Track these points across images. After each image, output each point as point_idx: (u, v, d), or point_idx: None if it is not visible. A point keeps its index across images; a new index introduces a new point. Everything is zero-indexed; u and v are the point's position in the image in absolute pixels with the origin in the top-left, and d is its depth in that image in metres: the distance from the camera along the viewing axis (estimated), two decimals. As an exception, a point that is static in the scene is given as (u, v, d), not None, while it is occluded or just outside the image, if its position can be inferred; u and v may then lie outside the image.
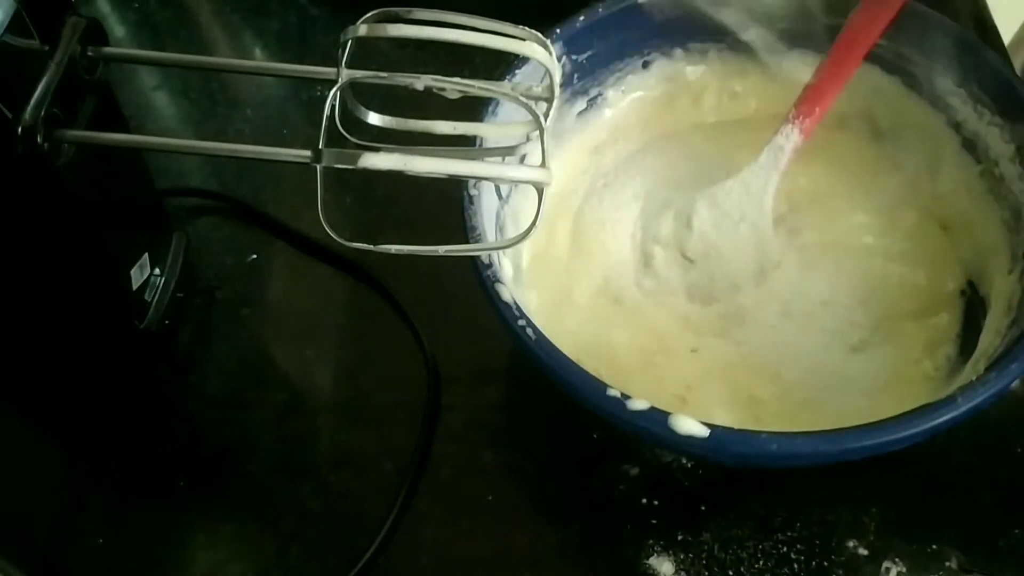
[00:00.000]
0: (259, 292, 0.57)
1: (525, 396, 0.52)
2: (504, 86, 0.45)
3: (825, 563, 0.45)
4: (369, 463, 0.50)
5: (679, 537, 0.46)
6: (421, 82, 0.40)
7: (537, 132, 0.40)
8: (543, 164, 0.39)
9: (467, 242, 0.44)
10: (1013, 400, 0.49)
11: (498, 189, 0.48)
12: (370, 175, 0.38)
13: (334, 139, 0.40)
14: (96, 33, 0.45)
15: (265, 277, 0.58)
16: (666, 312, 0.50)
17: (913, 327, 0.48)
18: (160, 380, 0.54)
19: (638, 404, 0.38)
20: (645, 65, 0.54)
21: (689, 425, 0.38)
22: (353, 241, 0.40)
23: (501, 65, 0.48)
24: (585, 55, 0.52)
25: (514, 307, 0.41)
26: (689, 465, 0.48)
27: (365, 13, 0.40)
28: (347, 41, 0.40)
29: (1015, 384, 0.39)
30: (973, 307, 0.48)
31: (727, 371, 0.47)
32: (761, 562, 0.45)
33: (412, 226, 0.58)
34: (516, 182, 0.45)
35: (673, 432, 0.38)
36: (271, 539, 0.48)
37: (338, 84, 0.40)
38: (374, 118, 0.43)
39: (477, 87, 0.41)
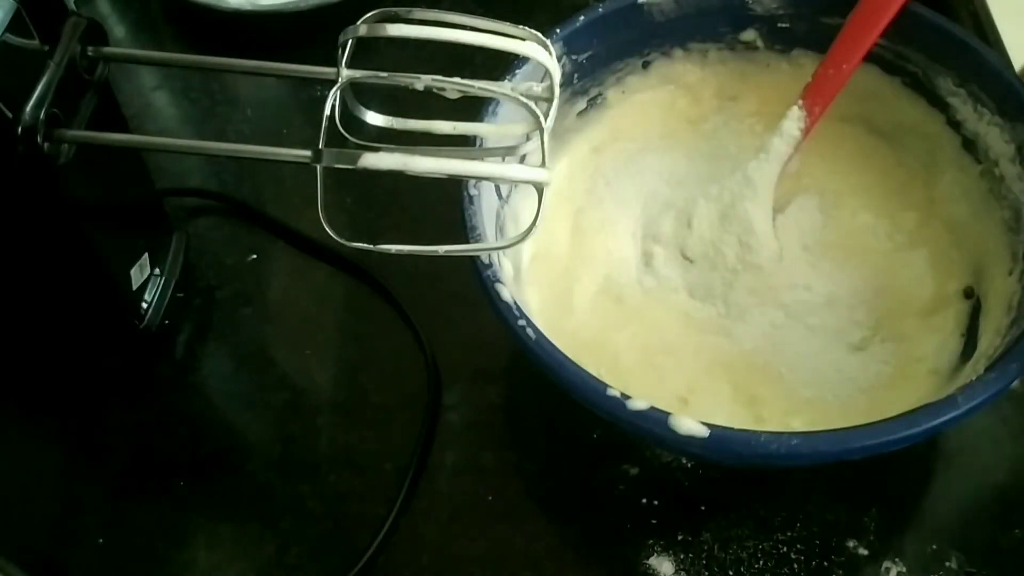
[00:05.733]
0: (259, 292, 0.57)
1: (525, 396, 0.52)
2: (504, 86, 0.45)
3: (825, 563, 0.45)
4: (369, 463, 0.50)
5: (679, 537, 0.46)
6: (421, 82, 0.40)
7: (537, 132, 0.40)
8: (543, 164, 0.39)
9: (467, 242, 0.44)
10: (1013, 400, 0.49)
11: (498, 189, 0.48)
12: (370, 175, 0.38)
13: (334, 139, 0.40)
14: (96, 33, 0.45)
15: (265, 277, 0.58)
16: (667, 311, 0.50)
17: (914, 326, 0.48)
18: (160, 380, 0.54)
19: (638, 404, 0.38)
20: (645, 65, 0.54)
21: (689, 425, 0.38)
22: (353, 241, 0.40)
23: (501, 65, 0.48)
24: (585, 55, 0.52)
25: (514, 307, 0.41)
26: (689, 465, 0.48)
27: (365, 13, 0.40)
28: (347, 41, 0.40)
29: (1015, 384, 0.39)
30: (974, 307, 0.48)
31: (728, 370, 0.47)
32: (761, 562, 0.45)
33: (412, 226, 0.58)
34: (516, 182, 0.45)
35: (673, 432, 0.38)
36: (271, 539, 0.48)
37: (338, 84, 0.40)
38: (374, 118, 0.43)
39: (477, 87, 0.41)
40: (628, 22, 0.52)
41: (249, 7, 0.68)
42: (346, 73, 0.41)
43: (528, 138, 0.45)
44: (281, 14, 0.68)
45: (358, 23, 0.40)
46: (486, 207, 0.46)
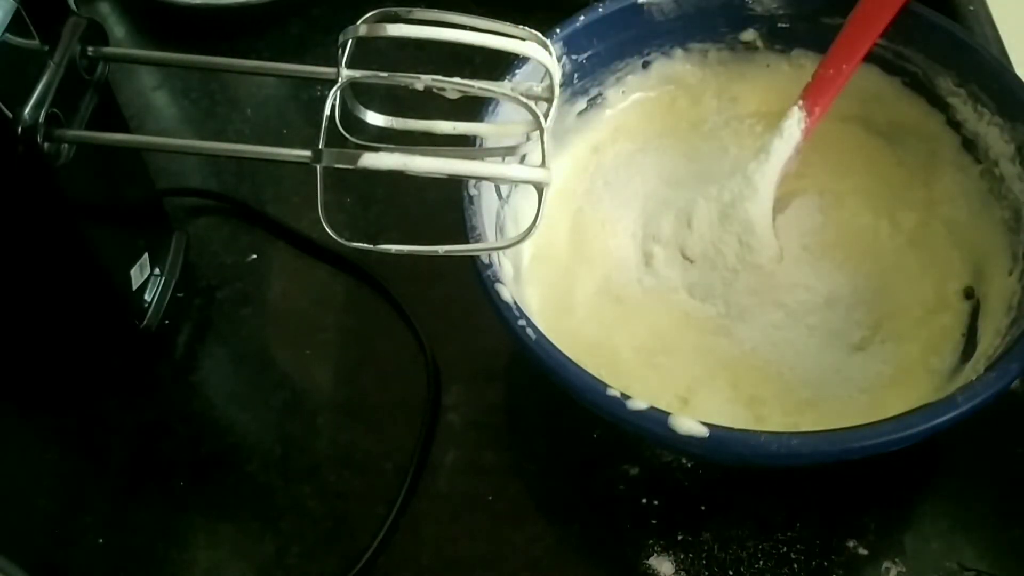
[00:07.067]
0: (259, 292, 0.57)
1: (525, 396, 0.52)
2: (504, 86, 0.45)
3: (825, 563, 0.45)
4: (369, 463, 0.50)
5: (679, 537, 0.46)
6: (421, 82, 0.40)
7: (537, 132, 0.40)
8: (543, 164, 0.39)
9: (467, 242, 0.44)
10: (1013, 400, 0.49)
11: (498, 189, 0.48)
12: (370, 175, 0.38)
13: (334, 139, 0.40)
14: (96, 33, 0.45)
15: (265, 277, 0.58)
16: (667, 311, 0.50)
17: (914, 326, 0.48)
18: (160, 380, 0.54)
19: (638, 404, 0.38)
20: (645, 65, 0.54)
21: (689, 425, 0.38)
22: (353, 241, 0.40)
23: (501, 65, 0.48)
24: (585, 55, 0.52)
25: (514, 307, 0.41)
26: (689, 465, 0.48)
27: (365, 13, 0.40)
28: (347, 41, 0.40)
29: (1015, 384, 0.39)
30: (974, 307, 0.48)
31: (728, 370, 0.47)
32: (761, 562, 0.45)
33: (412, 226, 0.58)
34: (516, 182, 0.45)
35: (673, 432, 0.38)
36: (271, 539, 0.48)
37: (338, 84, 0.40)
38: (374, 118, 0.44)
39: (477, 87, 0.41)
40: (628, 22, 0.52)
41: (213, 1, 0.68)
42: (346, 73, 0.41)
43: (528, 138, 0.45)
44: (248, 5, 0.68)
45: (358, 23, 0.40)
46: (486, 207, 0.46)
